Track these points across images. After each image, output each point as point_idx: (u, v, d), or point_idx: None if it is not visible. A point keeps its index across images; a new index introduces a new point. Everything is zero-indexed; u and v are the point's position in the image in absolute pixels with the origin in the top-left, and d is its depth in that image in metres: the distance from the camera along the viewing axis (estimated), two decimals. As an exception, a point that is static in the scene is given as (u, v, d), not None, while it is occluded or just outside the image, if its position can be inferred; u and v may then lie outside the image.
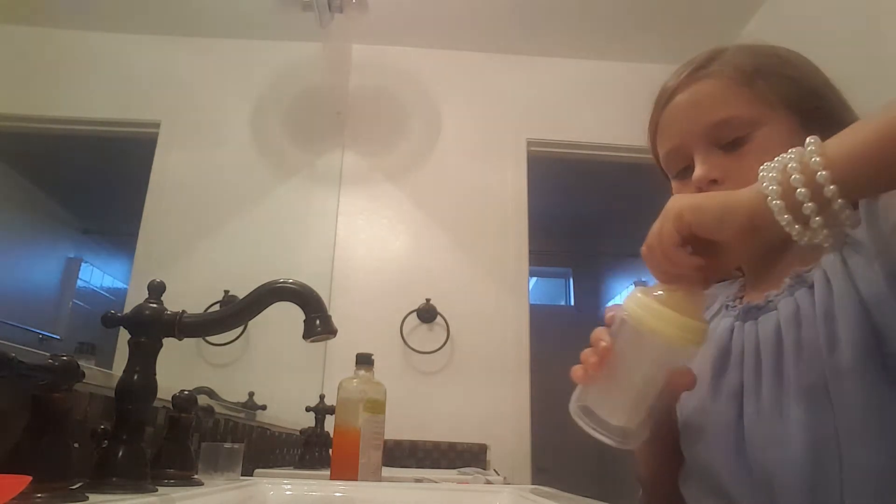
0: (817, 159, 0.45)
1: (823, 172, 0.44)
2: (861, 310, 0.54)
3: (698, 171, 0.67)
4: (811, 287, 0.59)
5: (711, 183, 0.66)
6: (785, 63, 0.69)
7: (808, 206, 0.45)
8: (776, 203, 0.46)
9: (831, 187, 0.44)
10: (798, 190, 0.45)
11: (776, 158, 0.48)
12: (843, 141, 0.46)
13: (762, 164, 0.49)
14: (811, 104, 0.66)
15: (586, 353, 0.55)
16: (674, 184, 0.75)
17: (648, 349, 0.54)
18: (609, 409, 0.54)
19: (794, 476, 0.55)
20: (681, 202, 0.52)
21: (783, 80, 0.67)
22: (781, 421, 0.57)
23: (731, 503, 0.61)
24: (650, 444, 0.65)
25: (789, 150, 0.48)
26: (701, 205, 0.51)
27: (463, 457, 2.26)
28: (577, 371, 0.56)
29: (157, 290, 0.63)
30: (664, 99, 0.75)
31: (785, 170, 0.46)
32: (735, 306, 0.70)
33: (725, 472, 0.61)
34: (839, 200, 0.44)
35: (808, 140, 0.47)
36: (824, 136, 0.49)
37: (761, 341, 0.61)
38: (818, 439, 0.54)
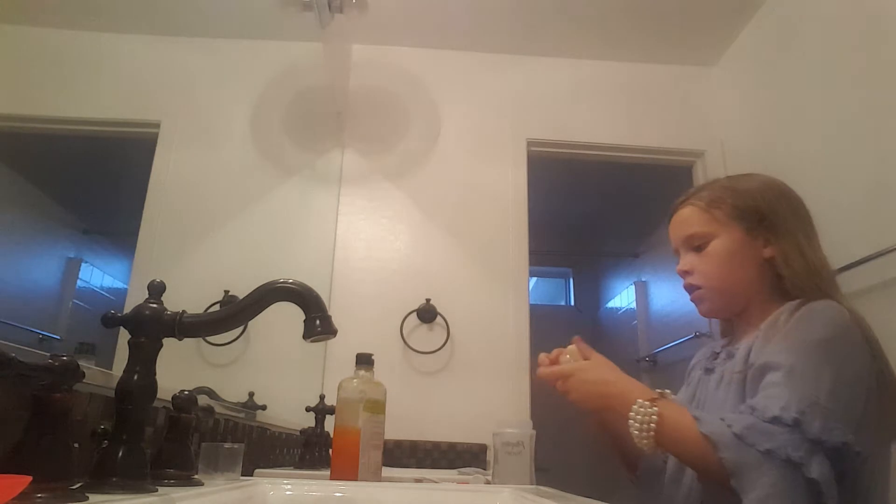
0: (652, 428, 0.84)
1: (648, 439, 0.84)
2: (740, 384, 0.92)
3: (679, 265, 1.07)
4: (732, 359, 0.98)
5: (685, 273, 1.06)
6: (736, 194, 1.03)
7: (643, 443, 0.85)
8: (635, 434, 0.86)
9: (649, 444, 0.85)
10: (641, 439, 0.85)
11: (638, 410, 0.85)
12: (670, 428, 0.84)
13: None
14: (754, 220, 1.00)
15: None
16: None
17: None
18: None
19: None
20: (583, 390, 0.94)
21: (729, 206, 1.02)
22: None
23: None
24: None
25: (649, 408, 0.85)
26: (589, 395, 0.94)
27: (463, 457, 2.27)
28: None
29: (157, 290, 0.63)
30: (669, 214, 1.12)
31: (641, 422, 0.85)
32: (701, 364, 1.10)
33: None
34: (649, 447, 0.86)
35: (654, 416, 0.84)
36: (766, 237, 0.99)
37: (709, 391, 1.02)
38: None
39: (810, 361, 0.82)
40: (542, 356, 1.01)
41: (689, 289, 1.06)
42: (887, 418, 0.84)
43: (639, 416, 0.85)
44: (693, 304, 1.08)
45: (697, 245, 1.04)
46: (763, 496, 0.73)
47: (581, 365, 0.96)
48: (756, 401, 0.82)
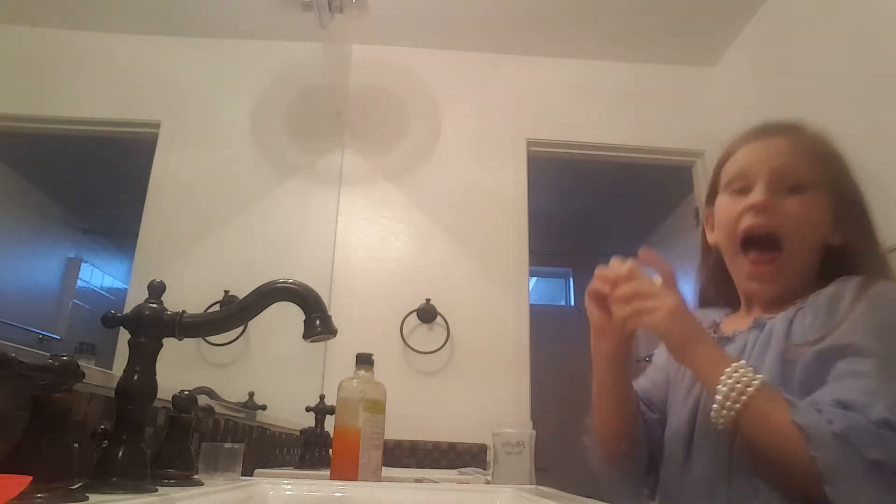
0: (747, 393, 0.69)
1: (733, 410, 0.69)
2: (780, 361, 0.77)
3: (756, 195, 0.85)
4: (762, 330, 0.83)
5: (764, 208, 0.84)
6: (836, 160, 0.90)
7: (723, 414, 0.70)
8: (718, 398, 0.71)
9: (728, 417, 0.70)
10: (724, 407, 0.70)
11: (738, 369, 0.70)
12: (764, 404, 0.69)
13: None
14: (839, 191, 0.87)
15: None
16: (724, 197, 0.91)
17: None
18: None
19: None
20: (673, 315, 0.74)
21: (831, 170, 0.87)
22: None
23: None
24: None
25: (753, 375, 0.70)
26: (675, 326, 0.75)
27: (463, 457, 2.27)
28: None
29: (157, 290, 0.63)
30: (751, 135, 0.93)
31: (732, 388, 0.70)
32: (709, 333, 0.91)
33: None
34: (727, 423, 0.71)
35: (757, 383, 0.69)
36: (841, 212, 0.85)
37: None
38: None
39: None
40: (615, 261, 0.80)
41: (751, 237, 0.85)
42: None
43: (734, 377, 0.69)
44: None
45: (791, 186, 0.84)
46: None
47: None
48: (843, 392, 0.69)
